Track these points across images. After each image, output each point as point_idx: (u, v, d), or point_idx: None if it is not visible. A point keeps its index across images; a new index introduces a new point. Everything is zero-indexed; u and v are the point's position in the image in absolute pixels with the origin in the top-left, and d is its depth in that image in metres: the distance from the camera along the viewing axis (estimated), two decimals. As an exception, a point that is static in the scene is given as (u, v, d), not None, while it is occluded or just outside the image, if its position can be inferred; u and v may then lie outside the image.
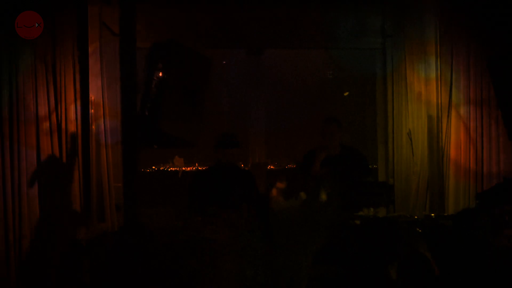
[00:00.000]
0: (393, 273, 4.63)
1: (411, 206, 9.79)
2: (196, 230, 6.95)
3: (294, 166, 11.99)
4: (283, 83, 11.98)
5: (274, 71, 11.64)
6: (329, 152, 7.90)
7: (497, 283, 4.88)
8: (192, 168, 12.19)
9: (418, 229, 7.64)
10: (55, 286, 7.68)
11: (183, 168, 11.90)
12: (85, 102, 8.22)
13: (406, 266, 4.79)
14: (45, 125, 7.90)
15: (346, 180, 7.81)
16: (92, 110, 8.38)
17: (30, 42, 7.84)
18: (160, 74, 8.11)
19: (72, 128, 8.09)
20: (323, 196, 7.71)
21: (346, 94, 11.95)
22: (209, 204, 7.40)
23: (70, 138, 8.07)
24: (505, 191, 8.36)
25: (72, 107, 8.15)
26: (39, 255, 7.72)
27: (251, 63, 10.63)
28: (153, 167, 11.80)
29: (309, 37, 10.29)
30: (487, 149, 9.61)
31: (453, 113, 9.79)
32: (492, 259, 5.07)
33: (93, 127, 8.33)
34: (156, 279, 5.08)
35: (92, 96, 8.31)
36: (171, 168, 12.05)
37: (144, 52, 8.34)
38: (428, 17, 9.90)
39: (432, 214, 8.45)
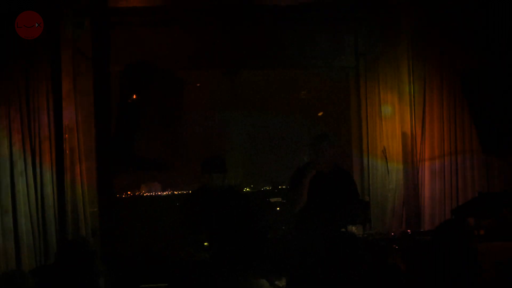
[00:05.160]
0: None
1: (388, 223, 9.82)
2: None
3: (270, 188, 11.93)
4: (257, 104, 11.98)
5: (249, 91, 11.66)
6: (321, 169, 7.65)
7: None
8: (168, 193, 12.11)
9: (394, 245, 7.65)
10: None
11: (159, 193, 11.83)
12: (58, 126, 8.14)
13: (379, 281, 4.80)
14: (19, 149, 7.81)
15: (334, 199, 7.65)
16: (66, 135, 8.32)
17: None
18: (134, 97, 8.11)
19: (46, 152, 8.01)
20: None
21: (320, 114, 11.97)
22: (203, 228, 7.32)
23: (44, 162, 7.98)
24: (480, 206, 8.41)
25: (46, 132, 8.07)
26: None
27: (226, 84, 10.64)
28: (129, 193, 11.70)
29: (283, 57, 10.34)
30: (461, 164, 9.65)
31: (427, 130, 9.84)
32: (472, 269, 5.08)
33: (68, 151, 8.25)
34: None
35: (66, 121, 8.24)
36: (147, 194, 11.97)
37: (118, 74, 8.36)
38: (400, 35, 9.98)
39: (409, 231, 8.47)
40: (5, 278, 5.31)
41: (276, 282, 6.12)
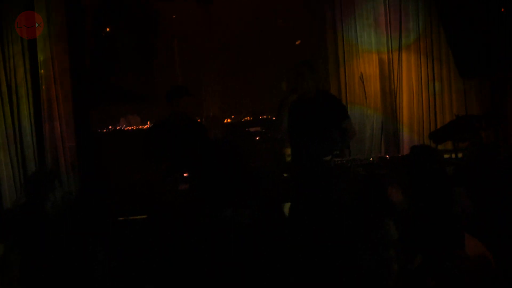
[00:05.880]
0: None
1: (367, 149, 9.88)
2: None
3: (251, 118, 11.94)
4: (234, 33, 11.91)
5: (225, 21, 11.58)
6: (301, 95, 7.56)
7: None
8: (149, 126, 12.11)
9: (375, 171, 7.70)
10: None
11: (140, 127, 11.83)
12: (34, 62, 8.09)
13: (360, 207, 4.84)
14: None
15: (321, 124, 7.57)
16: (42, 70, 8.27)
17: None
18: (108, 29, 8.05)
19: (22, 87, 7.96)
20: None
21: (298, 42, 11.92)
22: (164, 159, 7.33)
23: (20, 98, 7.94)
24: (458, 129, 8.47)
25: (21, 69, 8.01)
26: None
27: (202, 13, 10.57)
28: (110, 127, 11.68)
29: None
30: (438, 89, 9.71)
31: (404, 56, 9.87)
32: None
33: (44, 86, 8.22)
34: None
35: (41, 56, 8.18)
36: (128, 128, 11.96)
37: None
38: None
39: (387, 156, 8.51)
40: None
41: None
